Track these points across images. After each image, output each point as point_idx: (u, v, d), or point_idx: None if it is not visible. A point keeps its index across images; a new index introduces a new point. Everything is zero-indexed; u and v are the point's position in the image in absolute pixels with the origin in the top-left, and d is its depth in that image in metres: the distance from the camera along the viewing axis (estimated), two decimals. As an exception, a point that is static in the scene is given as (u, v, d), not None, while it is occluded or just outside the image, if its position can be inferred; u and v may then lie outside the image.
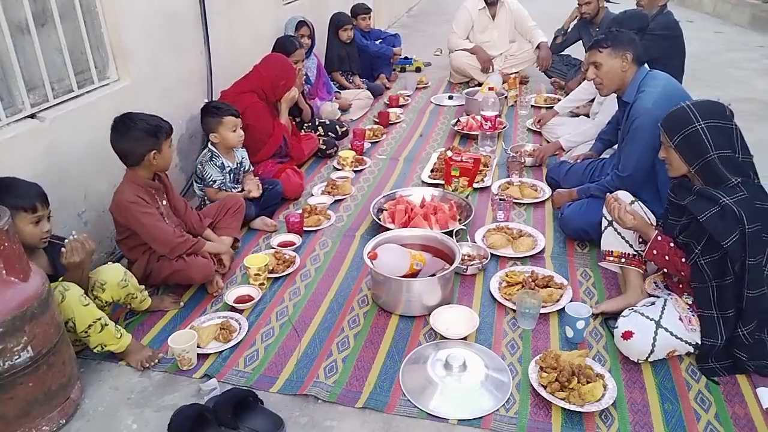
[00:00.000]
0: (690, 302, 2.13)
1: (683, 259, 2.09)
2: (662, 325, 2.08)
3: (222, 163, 3.08)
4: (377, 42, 5.76)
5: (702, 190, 2.01)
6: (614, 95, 2.91)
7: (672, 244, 2.13)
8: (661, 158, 2.16)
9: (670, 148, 2.07)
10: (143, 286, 2.37)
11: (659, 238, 2.18)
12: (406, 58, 6.20)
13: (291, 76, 3.60)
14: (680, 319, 2.09)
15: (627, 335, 2.09)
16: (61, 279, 2.07)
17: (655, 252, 2.17)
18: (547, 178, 3.55)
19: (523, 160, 3.72)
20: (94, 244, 2.15)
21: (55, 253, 2.10)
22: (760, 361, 2.04)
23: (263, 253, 2.75)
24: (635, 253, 2.37)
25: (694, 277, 2.04)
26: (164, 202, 2.56)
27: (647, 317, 2.10)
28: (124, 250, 2.58)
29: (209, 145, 3.10)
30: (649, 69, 2.72)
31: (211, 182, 3.07)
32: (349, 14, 5.40)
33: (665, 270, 2.22)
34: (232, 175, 3.15)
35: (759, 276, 1.94)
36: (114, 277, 2.20)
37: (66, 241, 2.05)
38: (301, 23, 4.35)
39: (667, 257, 2.13)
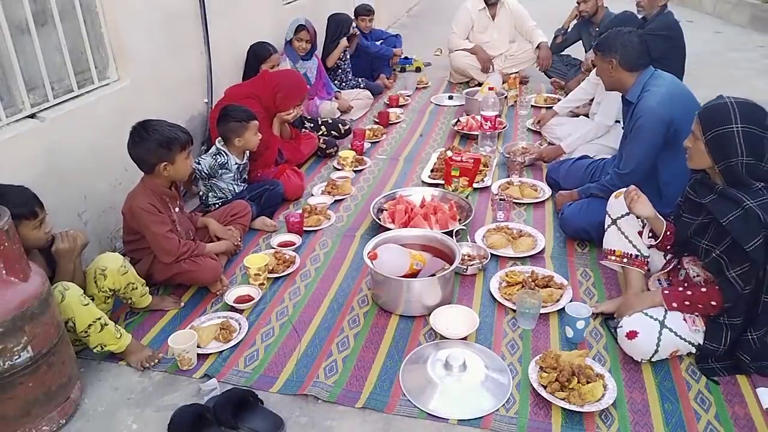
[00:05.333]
0: (716, 303, 2.11)
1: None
2: (666, 325, 2.07)
3: (232, 162, 3.09)
4: (378, 43, 5.75)
5: (725, 191, 1.97)
6: (616, 95, 2.93)
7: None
8: (684, 147, 2.11)
9: (699, 141, 2.01)
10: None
11: (668, 233, 2.19)
12: (406, 58, 6.20)
13: (294, 94, 3.53)
14: (684, 319, 2.09)
15: (631, 335, 2.09)
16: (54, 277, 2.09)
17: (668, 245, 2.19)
18: (547, 178, 3.55)
19: (523, 160, 3.71)
20: (87, 238, 2.16)
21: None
22: (761, 362, 2.04)
23: (263, 253, 2.75)
24: (638, 253, 2.37)
25: (726, 296, 1.98)
26: (176, 210, 2.57)
27: (651, 317, 2.09)
28: (128, 249, 2.59)
29: (219, 146, 3.08)
30: (654, 69, 2.71)
31: (222, 183, 3.10)
32: (352, 14, 5.42)
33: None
34: (239, 172, 3.16)
35: None
36: (113, 263, 2.21)
37: (57, 232, 2.08)
38: (301, 27, 4.32)
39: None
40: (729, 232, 1.92)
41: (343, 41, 4.95)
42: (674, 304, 2.09)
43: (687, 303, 2.08)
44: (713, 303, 2.03)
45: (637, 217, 2.32)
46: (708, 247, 2.05)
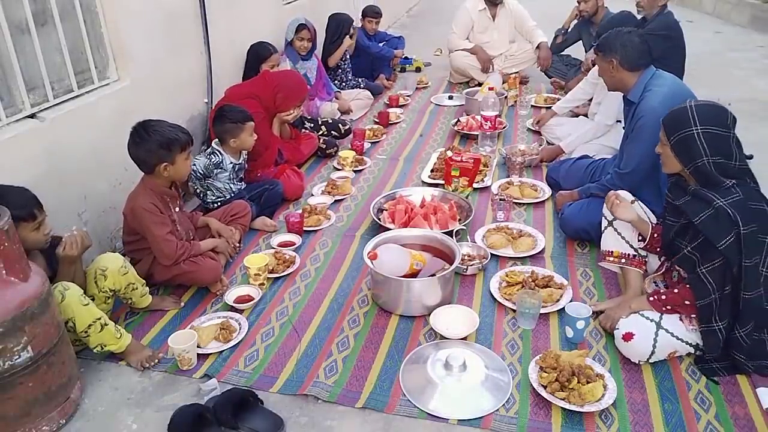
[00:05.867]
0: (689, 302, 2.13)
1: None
2: (663, 326, 2.08)
3: (227, 161, 3.09)
4: (380, 44, 5.75)
5: (696, 191, 2.02)
6: (617, 94, 2.93)
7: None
8: (656, 152, 2.18)
9: (666, 146, 2.09)
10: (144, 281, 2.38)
11: (656, 235, 2.23)
12: (406, 58, 6.20)
13: (294, 95, 3.52)
14: (681, 320, 2.09)
15: (627, 337, 2.09)
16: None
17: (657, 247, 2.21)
18: (547, 178, 3.55)
19: (523, 160, 3.71)
20: (90, 240, 2.16)
21: (52, 253, 2.11)
22: (760, 361, 2.04)
23: (263, 253, 2.75)
24: (635, 253, 2.37)
25: (697, 293, 2.01)
26: (177, 209, 2.57)
27: (648, 318, 2.10)
28: (129, 250, 2.59)
29: (213, 146, 3.09)
30: (655, 69, 2.72)
31: (218, 183, 3.10)
32: (360, 16, 5.44)
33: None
34: (235, 172, 3.16)
35: (755, 277, 1.94)
36: (114, 263, 2.21)
37: (66, 235, 2.06)
38: (302, 26, 4.32)
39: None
40: (702, 232, 1.95)
41: (347, 40, 4.94)
42: (663, 309, 2.11)
43: (668, 307, 2.10)
44: (687, 302, 2.05)
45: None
46: (686, 247, 2.07)
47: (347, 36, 4.95)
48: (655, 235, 2.28)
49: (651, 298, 2.14)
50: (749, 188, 1.98)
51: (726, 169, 1.97)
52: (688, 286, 2.06)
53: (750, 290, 1.95)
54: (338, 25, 4.96)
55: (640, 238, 2.35)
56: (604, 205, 2.45)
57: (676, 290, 2.09)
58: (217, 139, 3.10)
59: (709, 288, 1.97)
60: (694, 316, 2.08)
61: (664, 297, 2.11)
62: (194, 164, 3.00)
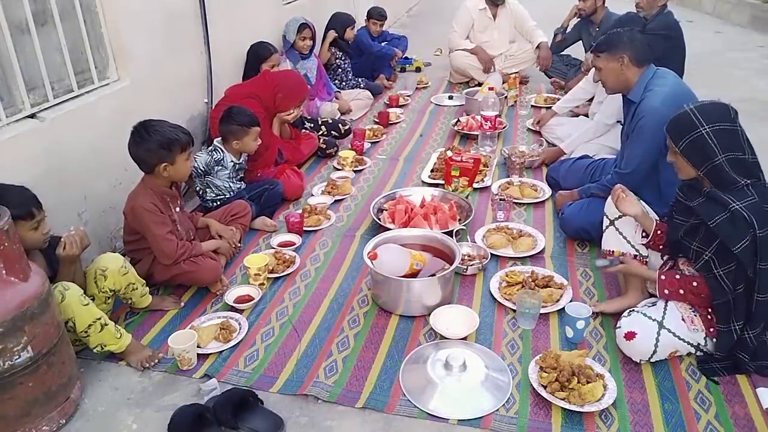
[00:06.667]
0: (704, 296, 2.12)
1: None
2: (665, 325, 2.07)
3: (228, 159, 3.10)
4: (382, 44, 5.75)
5: (712, 193, 2.00)
6: (617, 95, 2.92)
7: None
8: (669, 162, 2.16)
9: (677, 153, 2.06)
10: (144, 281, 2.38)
11: (659, 232, 2.21)
12: (406, 58, 6.20)
13: (294, 95, 3.53)
14: (683, 319, 2.09)
15: (629, 336, 2.09)
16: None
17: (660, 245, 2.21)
18: (547, 178, 3.55)
19: (523, 160, 3.71)
20: (89, 239, 2.16)
21: (52, 253, 2.11)
22: (761, 361, 2.04)
23: (263, 253, 2.75)
24: (636, 253, 2.37)
25: (715, 294, 2.01)
26: (177, 209, 2.57)
27: (650, 318, 2.10)
28: (129, 249, 2.59)
29: (216, 143, 3.09)
30: (656, 68, 2.71)
31: (218, 181, 3.10)
32: (365, 16, 5.49)
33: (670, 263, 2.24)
34: (235, 171, 3.16)
35: None
36: (114, 264, 2.21)
37: (65, 234, 2.07)
38: (304, 25, 4.32)
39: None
40: (717, 235, 1.95)
41: (331, 33, 4.94)
42: (666, 291, 2.10)
43: (682, 292, 2.09)
44: (703, 295, 2.05)
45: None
46: (698, 249, 2.07)
47: (332, 30, 4.94)
48: (659, 232, 2.27)
49: (663, 277, 2.11)
50: (763, 189, 1.97)
51: (741, 165, 1.96)
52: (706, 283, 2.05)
53: (764, 293, 1.94)
54: (335, 23, 4.98)
55: (644, 234, 2.35)
56: (607, 202, 2.45)
57: (695, 283, 2.06)
58: (220, 137, 3.10)
59: (726, 289, 1.97)
60: (696, 315, 2.08)
61: (678, 277, 2.09)
62: (195, 161, 3.00)
